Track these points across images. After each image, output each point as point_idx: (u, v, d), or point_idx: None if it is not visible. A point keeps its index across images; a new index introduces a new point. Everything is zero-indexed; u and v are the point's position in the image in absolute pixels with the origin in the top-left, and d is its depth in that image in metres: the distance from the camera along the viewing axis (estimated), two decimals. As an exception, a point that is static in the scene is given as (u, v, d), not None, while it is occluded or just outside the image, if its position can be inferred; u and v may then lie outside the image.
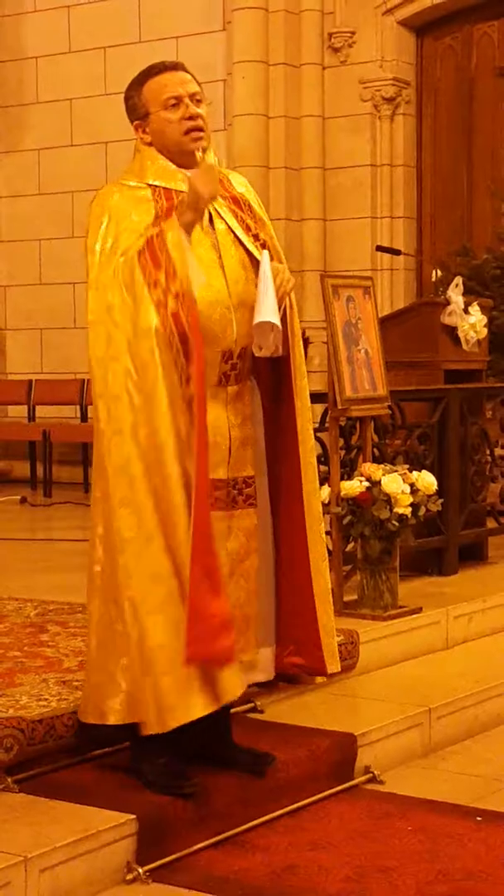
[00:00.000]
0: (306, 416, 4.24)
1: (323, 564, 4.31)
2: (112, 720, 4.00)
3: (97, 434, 3.98)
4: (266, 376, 4.26)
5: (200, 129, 4.10)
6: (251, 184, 4.40)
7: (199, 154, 4.01)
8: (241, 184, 4.33)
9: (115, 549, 3.92)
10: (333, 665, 4.36)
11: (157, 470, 3.86)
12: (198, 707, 3.87)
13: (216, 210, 4.13)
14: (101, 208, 4.07)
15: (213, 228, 4.11)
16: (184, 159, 4.12)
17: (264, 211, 4.34)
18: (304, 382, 4.24)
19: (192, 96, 4.10)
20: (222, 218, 4.14)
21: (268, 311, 3.99)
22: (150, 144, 4.15)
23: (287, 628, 4.28)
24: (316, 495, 4.31)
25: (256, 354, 4.12)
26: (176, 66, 4.17)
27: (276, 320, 4.00)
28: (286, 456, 4.24)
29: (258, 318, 3.99)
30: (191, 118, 4.09)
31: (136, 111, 4.16)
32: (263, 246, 4.19)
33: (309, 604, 4.25)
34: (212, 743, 4.27)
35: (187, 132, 4.09)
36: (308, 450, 4.25)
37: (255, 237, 4.20)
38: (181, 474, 3.84)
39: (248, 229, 4.19)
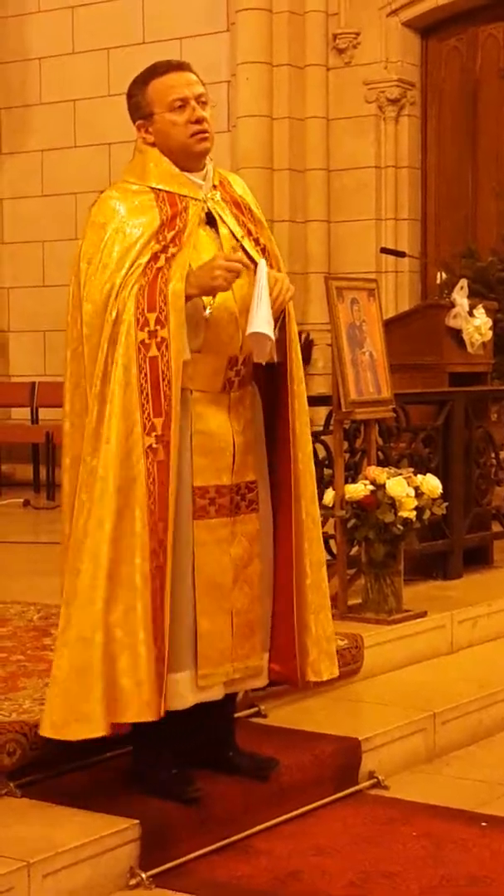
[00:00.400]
0: (304, 420, 4.21)
1: (320, 572, 4.26)
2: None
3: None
4: (263, 381, 4.24)
5: (206, 133, 4.07)
6: (255, 186, 4.38)
7: (232, 249, 4.02)
8: (240, 186, 4.29)
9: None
10: (328, 671, 4.29)
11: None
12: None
13: (219, 214, 4.10)
14: (102, 217, 4.02)
15: (217, 233, 4.08)
16: (188, 162, 4.09)
17: (262, 214, 4.31)
18: (302, 388, 4.20)
19: (197, 98, 4.06)
20: (225, 222, 4.11)
21: (261, 322, 3.95)
22: (152, 145, 4.11)
23: (272, 633, 4.23)
24: (314, 501, 4.29)
25: (256, 361, 4.11)
26: (182, 66, 4.12)
27: (269, 331, 3.96)
28: (282, 462, 4.22)
29: (251, 329, 3.97)
30: (197, 121, 4.04)
31: (140, 110, 4.11)
32: (263, 250, 4.17)
33: (289, 610, 4.20)
34: (215, 748, 4.26)
35: (193, 135, 4.05)
36: (306, 455, 4.23)
37: (256, 241, 4.17)
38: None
39: (248, 233, 4.16)
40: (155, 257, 3.94)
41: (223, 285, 3.90)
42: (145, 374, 3.87)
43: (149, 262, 3.93)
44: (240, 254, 4.00)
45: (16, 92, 12.89)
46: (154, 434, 3.86)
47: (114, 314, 3.90)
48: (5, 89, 12.95)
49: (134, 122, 4.14)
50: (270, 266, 4.15)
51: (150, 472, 3.85)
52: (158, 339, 3.87)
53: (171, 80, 4.07)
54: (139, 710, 3.82)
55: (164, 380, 3.86)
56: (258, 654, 4.16)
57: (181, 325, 3.86)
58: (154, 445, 3.85)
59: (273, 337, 3.99)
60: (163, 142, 4.08)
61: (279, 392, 4.21)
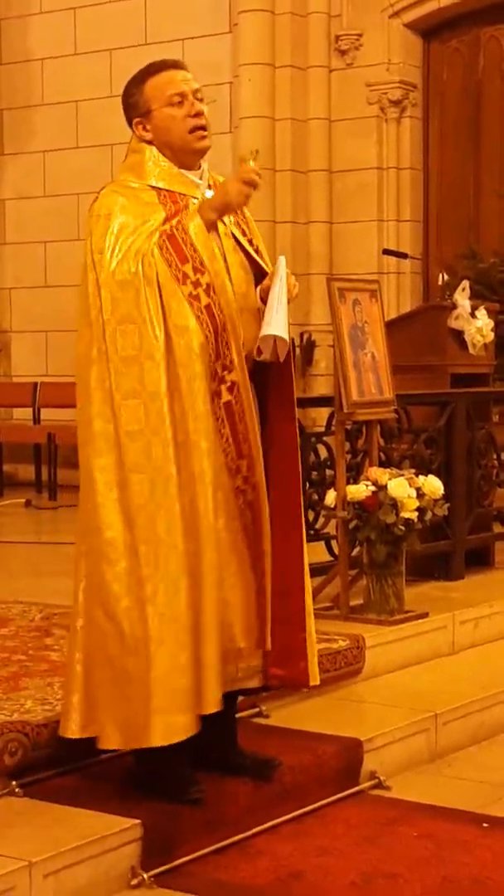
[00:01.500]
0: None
1: (307, 573, 4.26)
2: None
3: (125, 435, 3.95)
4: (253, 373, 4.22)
5: (205, 128, 4.07)
6: (259, 186, 4.36)
7: (247, 155, 3.99)
8: None
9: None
10: (315, 677, 4.28)
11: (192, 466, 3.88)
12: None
13: None
14: (106, 209, 4.00)
15: (217, 233, 4.07)
16: (186, 158, 4.09)
17: (251, 215, 4.30)
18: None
19: (194, 93, 4.08)
20: (223, 221, 4.10)
21: (279, 325, 3.96)
22: (149, 142, 4.10)
23: (272, 636, 4.17)
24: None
25: (256, 358, 4.10)
26: (178, 64, 4.14)
27: (286, 334, 3.98)
28: (280, 456, 4.20)
29: (269, 331, 3.96)
30: (196, 115, 4.06)
31: (138, 108, 4.10)
32: (256, 251, 4.17)
33: (296, 612, 4.18)
34: (218, 748, 4.25)
35: (192, 130, 4.05)
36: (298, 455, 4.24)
37: (250, 242, 4.18)
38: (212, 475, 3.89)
39: (243, 233, 4.17)
40: (170, 235, 3.93)
41: (239, 199, 3.90)
42: (205, 324, 3.87)
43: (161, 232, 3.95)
44: (251, 163, 3.96)
45: (18, 93, 12.89)
46: (217, 378, 3.91)
47: (150, 275, 3.89)
48: (8, 90, 12.95)
49: (130, 120, 4.14)
50: (263, 268, 4.15)
51: (218, 415, 3.91)
52: (204, 287, 3.88)
53: (169, 76, 4.09)
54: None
55: (221, 327, 3.87)
56: (258, 654, 4.15)
57: (214, 256, 3.89)
58: (219, 388, 3.91)
59: (288, 340, 4.00)
60: (161, 137, 4.07)
61: (268, 392, 4.20)
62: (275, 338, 3.98)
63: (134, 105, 4.12)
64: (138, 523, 3.86)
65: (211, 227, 3.95)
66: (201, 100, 4.09)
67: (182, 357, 3.87)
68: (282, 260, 4.09)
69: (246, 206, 4.20)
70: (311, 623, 4.23)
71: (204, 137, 4.08)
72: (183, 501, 3.85)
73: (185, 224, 3.91)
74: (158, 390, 3.86)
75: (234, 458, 3.95)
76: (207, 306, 3.88)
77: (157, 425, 3.86)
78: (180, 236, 3.90)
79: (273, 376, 4.17)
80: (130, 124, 4.16)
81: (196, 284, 3.88)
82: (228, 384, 3.91)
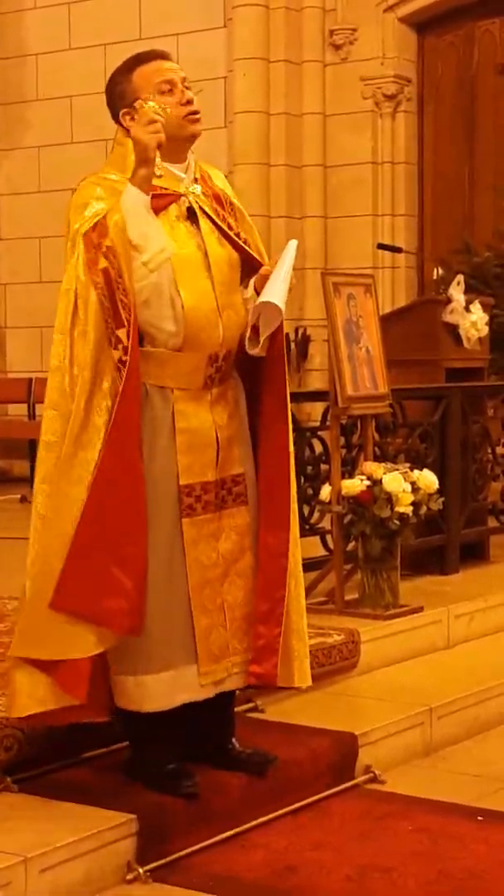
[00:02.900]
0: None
1: (298, 568, 4.25)
2: None
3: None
4: (245, 372, 4.22)
5: (197, 113, 4.02)
6: (252, 181, 4.36)
7: (139, 103, 3.89)
8: (220, 179, 4.24)
9: None
10: (302, 678, 4.25)
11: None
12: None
13: (200, 208, 4.06)
14: (82, 199, 3.99)
15: (198, 228, 4.03)
16: (176, 146, 3.99)
17: (241, 205, 4.26)
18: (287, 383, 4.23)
19: (183, 81, 4.02)
20: (207, 216, 4.07)
21: (277, 294, 3.95)
22: None
23: (254, 634, 4.14)
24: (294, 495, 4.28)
25: (249, 351, 4.09)
26: (164, 55, 4.09)
27: (282, 305, 3.97)
28: (272, 451, 4.19)
29: (266, 298, 3.95)
30: (187, 102, 4.00)
31: (125, 98, 4.03)
32: (245, 243, 4.14)
33: (276, 608, 4.14)
34: (215, 743, 4.26)
35: (186, 116, 3.99)
36: (291, 450, 4.24)
37: (237, 235, 4.13)
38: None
39: (229, 227, 4.13)
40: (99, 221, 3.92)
41: (150, 141, 3.79)
42: (101, 289, 3.85)
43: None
44: (151, 104, 3.86)
45: (12, 88, 12.88)
46: (121, 346, 3.85)
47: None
48: (2, 85, 12.94)
49: (117, 111, 4.06)
50: (254, 259, 4.15)
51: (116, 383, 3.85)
52: (104, 249, 3.85)
53: (156, 65, 4.04)
54: None
55: (119, 289, 3.83)
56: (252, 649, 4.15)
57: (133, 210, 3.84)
58: (123, 358, 3.84)
59: (283, 311, 3.99)
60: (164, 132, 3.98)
61: (261, 387, 4.20)
62: (268, 306, 3.97)
63: (121, 95, 4.05)
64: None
65: (146, 183, 3.84)
66: (189, 88, 4.03)
67: (81, 316, 3.87)
68: (293, 243, 4.09)
69: (234, 197, 4.20)
70: (300, 622, 4.21)
71: (197, 121, 4.02)
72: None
73: (110, 213, 3.87)
74: (62, 364, 3.90)
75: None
76: (104, 269, 3.85)
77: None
78: (101, 225, 3.88)
79: (265, 373, 4.17)
80: (116, 116, 4.08)
81: (97, 248, 3.87)
82: (125, 351, 3.86)
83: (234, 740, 4.30)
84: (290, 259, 4.04)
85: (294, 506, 4.21)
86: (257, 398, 4.21)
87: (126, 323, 3.83)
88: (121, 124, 4.08)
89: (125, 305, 3.83)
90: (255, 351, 4.09)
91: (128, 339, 3.83)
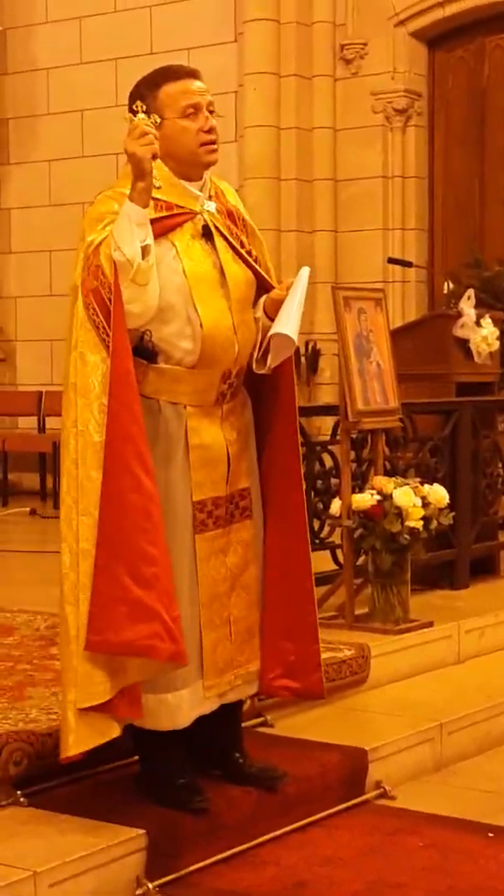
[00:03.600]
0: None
1: (312, 581, 4.27)
2: None
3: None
4: (252, 386, 4.22)
5: (216, 143, 4.01)
6: (263, 196, 4.36)
7: (128, 116, 3.83)
8: (232, 196, 4.23)
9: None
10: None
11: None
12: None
13: (215, 227, 4.05)
14: (97, 213, 3.96)
15: (214, 246, 4.03)
16: (191, 170, 4.02)
17: (253, 222, 4.25)
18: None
19: (208, 106, 3.98)
20: (222, 235, 4.06)
21: (292, 326, 3.96)
22: None
23: (277, 648, 4.18)
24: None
25: (256, 370, 4.11)
26: (195, 74, 4.04)
27: (296, 337, 3.98)
28: (281, 466, 4.20)
29: (281, 329, 3.96)
30: (209, 131, 3.98)
31: (148, 113, 3.94)
32: (256, 261, 4.14)
33: (310, 624, 4.20)
34: (223, 757, 4.25)
35: (203, 144, 3.98)
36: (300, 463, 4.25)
37: (248, 253, 4.13)
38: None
39: (242, 244, 4.12)
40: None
41: (144, 153, 3.74)
42: (93, 309, 3.83)
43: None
44: (140, 115, 3.80)
45: (23, 102, 12.91)
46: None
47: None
48: (13, 99, 12.98)
49: None
50: (264, 278, 4.15)
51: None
52: (93, 269, 3.83)
53: (185, 85, 3.99)
54: None
55: (111, 302, 3.79)
56: (256, 660, 4.17)
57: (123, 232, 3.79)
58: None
59: (296, 344, 4.01)
60: (170, 147, 3.94)
61: (269, 401, 4.21)
62: (282, 337, 3.98)
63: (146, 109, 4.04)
64: None
65: (144, 196, 3.79)
66: (213, 112, 4.00)
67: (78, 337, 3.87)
68: (305, 271, 4.08)
69: (246, 213, 4.19)
70: (318, 635, 4.26)
71: (213, 151, 4.01)
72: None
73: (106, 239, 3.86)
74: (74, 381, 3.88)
75: None
76: (94, 289, 3.83)
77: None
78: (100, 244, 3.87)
79: (274, 388, 4.19)
80: None
81: (89, 270, 3.86)
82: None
83: (243, 754, 4.30)
84: (303, 288, 4.04)
85: (306, 520, 4.25)
86: (265, 413, 4.22)
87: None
88: None
89: (117, 323, 3.80)
90: (261, 371, 4.12)
91: (109, 356, 3.81)
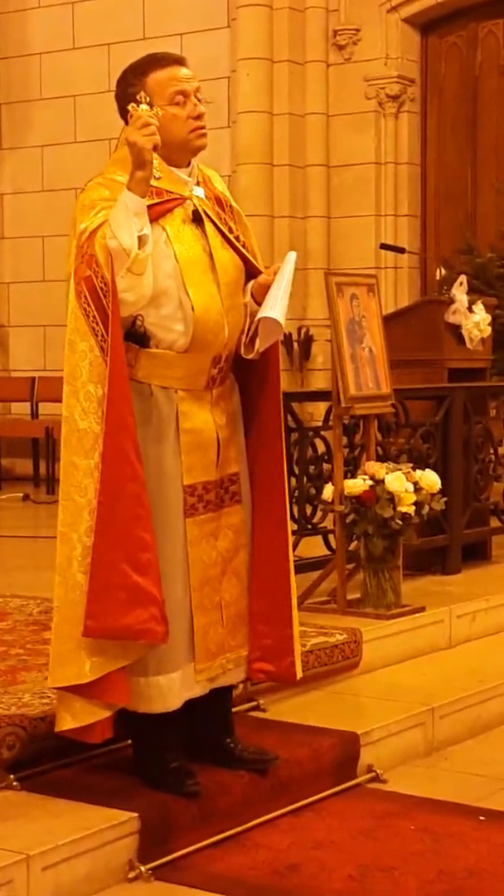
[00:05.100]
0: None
1: (291, 566, 4.29)
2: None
3: None
4: (239, 372, 4.24)
5: (204, 129, 4.03)
6: (255, 181, 4.38)
7: (132, 106, 3.83)
8: (219, 182, 4.25)
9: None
10: (300, 671, 4.31)
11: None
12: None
13: (205, 212, 4.07)
14: (89, 200, 3.97)
15: (203, 231, 4.04)
16: (180, 156, 4.03)
17: (240, 207, 4.27)
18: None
19: (195, 93, 4.02)
20: (211, 220, 4.08)
21: (279, 310, 3.97)
22: None
23: (255, 631, 4.22)
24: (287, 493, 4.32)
25: (244, 355, 4.12)
26: (180, 60, 4.07)
27: (283, 321, 3.99)
28: (266, 452, 4.23)
29: (269, 313, 3.97)
30: (198, 117, 4.00)
31: (137, 100, 3.98)
32: (243, 247, 4.16)
33: (285, 607, 4.22)
34: (215, 741, 4.27)
35: (192, 130, 4.00)
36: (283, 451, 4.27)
37: (237, 238, 4.15)
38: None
39: (230, 230, 4.14)
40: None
41: (145, 143, 3.76)
42: (84, 297, 3.84)
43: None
44: (143, 106, 3.82)
45: (16, 87, 12.89)
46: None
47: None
48: (6, 84, 12.96)
49: (126, 110, 4.02)
50: (252, 264, 4.16)
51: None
52: (86, 258, 3.84)
53: (172, 72, 4.02)
54: None
55: (105, 296, 3.81)
56: (247, 644, 4.19)
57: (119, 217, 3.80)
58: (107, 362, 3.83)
59: (284, 328, 4.02)
60: (159, 134, 3.90)
61: (254, 386, 4.23)
62: (269, 321, 3.99)
63: (133, 96, 3.98)
64: None
65: (143, 186, 3.81)
66: (200, 100, 4.03)
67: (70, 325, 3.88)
68: (292, 255, 4.10)
69: (232, 199, 4.21)
70: (296, 620, 4.26)
71: (203, 136, 4.03)
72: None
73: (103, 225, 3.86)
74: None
75: None
76: (87, 277, 3.84)
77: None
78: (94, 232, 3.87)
79: (260, 374, 4.21)
80: (123, 114, 4.08)
81: (83, 258, 3.86)
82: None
83: (234, 739, 4.31)
84: (290, 272, 4.05)
85: (288, 506, 4.28)
86: (250, 400, 4.25)
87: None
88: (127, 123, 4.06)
89: (114, 313, 3.82)
90: (249, 355, 4.13)
91: (99, 344, 3.83)
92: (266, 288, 4.06)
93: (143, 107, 3.81)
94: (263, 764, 4.28)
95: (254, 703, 4.92)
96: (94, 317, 3.83)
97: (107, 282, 3.80)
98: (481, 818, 4.35)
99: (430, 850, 4.05)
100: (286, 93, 11.44)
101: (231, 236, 4.13)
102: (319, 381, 11.09)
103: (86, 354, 3.86)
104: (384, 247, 9.10)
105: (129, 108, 3.84)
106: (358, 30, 11.47)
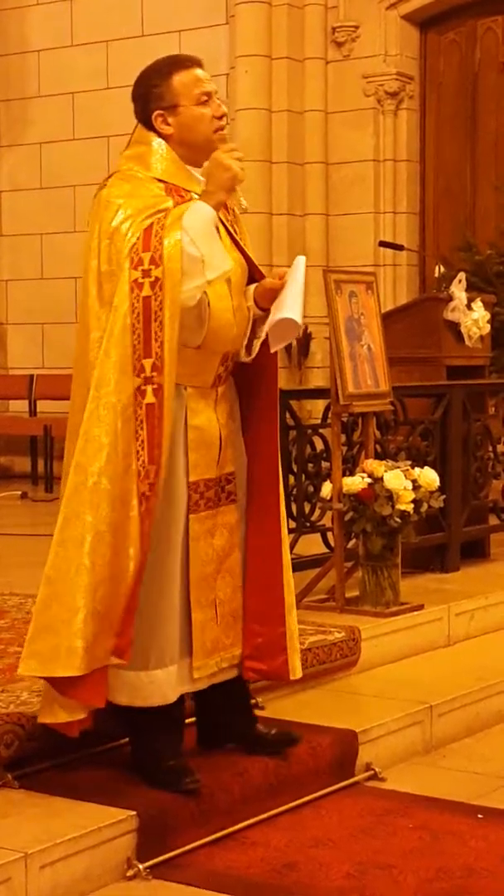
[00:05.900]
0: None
1: (290, 570, 4.31)
2: None
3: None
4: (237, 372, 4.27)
5: (224, 128, 4.11)
6: (254, 179, 4.42)
7: (299, 256, 4.04)
8: None
9: None
10: (298, 670, 4.35)
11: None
12: None
13: None
14: (116, 196, 3.96)
15: (216, 229, 4.05)
16: (201, 157, 4.06)
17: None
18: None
19: (216, 93, 4.10)
20: (221, 221, 4.08)
21: (297, 310, 3.99)
22: (167, 135, 4.05)
23: (247, 630, 4.25)
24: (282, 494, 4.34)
25: (244, 360, 4.15)
26: (200, 63, 4.14)
27: (300, 321, 4.01)
28: (262, 451, 4.25)
29: (286, 314, 3.97)
30: (221, 117, 4.07)
31: (162, 100, 4.04)
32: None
33: (278, 607, 4.25)
34: (238, 723, 4.34)
35: (217, 130, 4.06)
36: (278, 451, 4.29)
37: (241, 240, 4.20)
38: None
39: (235, 232, 4.19)
40: (150, 225, 3.90)
41: (238, 172, 3.89)
42: (137, 315, 3.85)
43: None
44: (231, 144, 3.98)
45: (14, 84, 12.88)
46: (143, 376, 3.84)
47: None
48: (4, 81, 12.94)
49: (149, 111, 4.07)
50: (254, 265, 4.20)
51: (139, 416, 3.84)
52: (152, 279, 3.84)
53: (195, 74, 4.09)
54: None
55: (155, 321, 3.83)
56: (240, 644, 4.21)
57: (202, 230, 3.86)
58: (143, 387, 3.83)
59: (301, 327, 4.04)
60: (184, 134, 4.05)
61: (253, 386, 4.25)
62: (287, 322, 3.99)
63: (158, 96, 4.06)
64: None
65: (220, 208, 3.94)
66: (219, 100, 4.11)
67: (109, 335, 3.87)
68: (302, 259, 4.17)
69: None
70: (291, 618, 4.29)
71: (224, 136, 4.10)
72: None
73: (163, 224, 3.87)
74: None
75: (146, 462, 3.88)
76: (146, 298, 3.85)
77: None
78: (157, 227, 3.87)
79: (257, 375, 4.23)
80: (144, 113, 4.08)
81: (146, 273, 3.85)
82: (155, 386, 3.85)
83: (256, 719, 4.41)
84: (302, 275, 4.07)
85: (283, 505, 4.30)
86: (247, 400, 4.27)
87: (154, 355, 3.83)
88: (148, 123, 4.09)
89: (157, 338, 3.83)
90: (247, 358, 4.17)
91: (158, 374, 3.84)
92: (272, 292, 4.09)
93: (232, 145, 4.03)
94: (287, 745, 4.35)
95: (252, 702, 4.91)
96: (139, 335, 3.84)
97: (163, 307, 3.81)
98: (480, 816, 4.35)
99: (428, 848, 4.05)
100: (285, 90, 11.43)
101: (237, 237, 4.17)
102: (318, 379, 11.09)
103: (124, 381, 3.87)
104: (383, 244, 9.09)
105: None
106: (357, 26, 11.46)
